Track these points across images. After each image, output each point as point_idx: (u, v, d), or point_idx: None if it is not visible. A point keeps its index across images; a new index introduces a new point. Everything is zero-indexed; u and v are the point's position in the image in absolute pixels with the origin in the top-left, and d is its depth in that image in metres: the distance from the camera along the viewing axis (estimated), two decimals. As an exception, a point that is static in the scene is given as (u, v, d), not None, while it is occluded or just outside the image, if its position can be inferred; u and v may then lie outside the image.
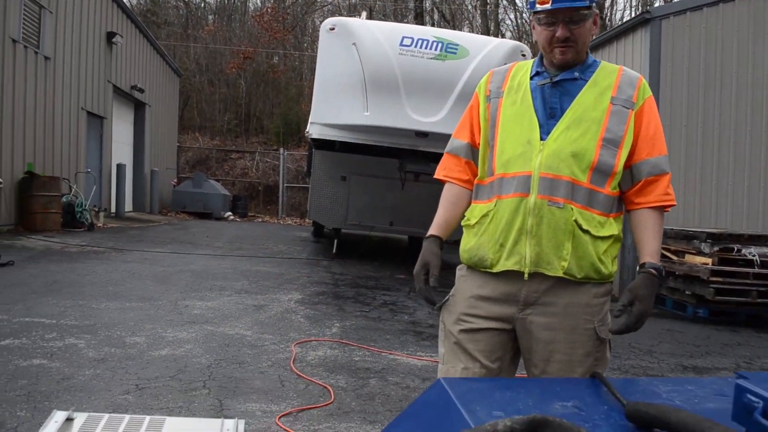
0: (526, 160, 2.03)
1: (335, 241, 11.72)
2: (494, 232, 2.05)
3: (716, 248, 7.80)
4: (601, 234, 2.03)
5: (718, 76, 9.44)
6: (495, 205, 2.06)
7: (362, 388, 4.19)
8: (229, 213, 22.32)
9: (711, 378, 1.72)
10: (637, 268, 2.09)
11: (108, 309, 5.97)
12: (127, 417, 1.34)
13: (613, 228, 2.07)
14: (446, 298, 2.20)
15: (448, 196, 2.26)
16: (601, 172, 2.03)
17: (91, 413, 1.34)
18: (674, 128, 9.21)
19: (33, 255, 9.16)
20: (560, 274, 1.99)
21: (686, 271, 8.06)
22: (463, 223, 2.21)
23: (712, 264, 7.77)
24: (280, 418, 3.52)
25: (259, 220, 23.06)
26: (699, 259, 7.99)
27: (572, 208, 1.99)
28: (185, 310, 6.17)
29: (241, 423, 1.34)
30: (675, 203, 2.15)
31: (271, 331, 5.54)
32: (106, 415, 1.34)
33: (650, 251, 2.05)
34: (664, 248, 8.60)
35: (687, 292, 8.16)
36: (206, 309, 6.27)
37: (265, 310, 6.45)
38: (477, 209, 2.15)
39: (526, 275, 2.01)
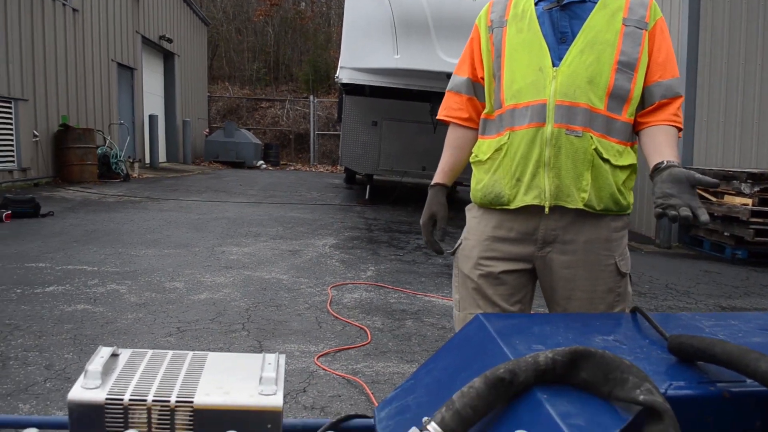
0: (539, 88, 1.91)
1: (368, 187, 11.72)
2: (510, 167, 1.95)
3: (756, 188, 7.61)
4: (620, 163, 1.94)
5: (762, 8, 9.05)
6: (508, 138, 1.95)
7: (398, 329, 4.22)
8: (261, 162, 22.41)
9: (756, 312, 1.67)
10: (650, 174, 1.85)
11: (147, 256, 6.07)
12: (170, 353, 1.35)
13: (631, 157, 1.98)
14: (459, 242, 2.12)
15: (451, 139, 2.16)
16: (617, 97, 1.92)
17: (136, 349, 1.35)
18: (714, 65, 8.91)
19: (72, 206, 9.33)
20: (580, 206, 1.91)
21: (725, 212, 7.89)
22: (472, 161, 2.11)
23: (752, 204, 7.59)
24: (318, 357, 3.57)
25: (291, 168, 23.13)
26: (738, 200, 7.81)
27: (591, 137, 1.89)
28: (222, 255, 6.25)
29: (282, 357, 1.33)
30: (682, 126, 2.03)
31: (306, 275, 5.60)
32: (150, 351, 1.35)
33: (667, 155, 1.85)
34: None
35: (725, 234, 8.01)
36: (242, 254, 6.35)
37: (300, 254, 6.50)
38: (486, 144, 2.04)
39: (546, 209, 1.92)
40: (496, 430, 1.10)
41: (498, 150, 1.97)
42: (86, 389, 1.19)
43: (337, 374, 3.35)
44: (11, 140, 11.25)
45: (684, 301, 5.56)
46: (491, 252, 2.02)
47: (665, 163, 1.81)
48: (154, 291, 4.82)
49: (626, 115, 1.95)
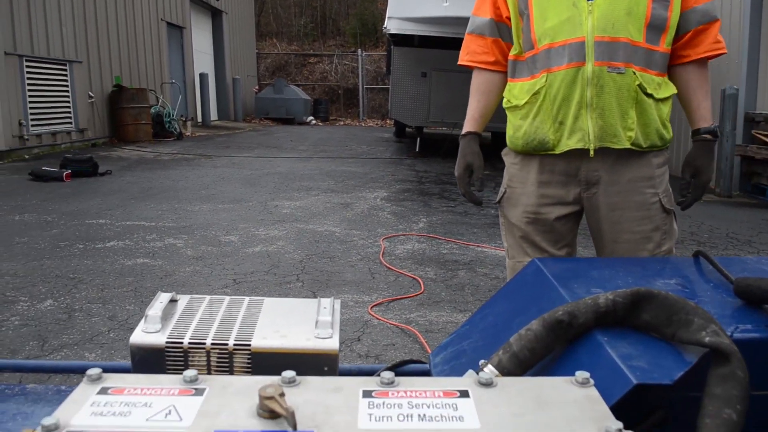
0: (575, 25, 1.81)
1: (418, 139, 11.64)
2: (550, 110, 1.86)
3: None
4: (661, 96, 1.85)
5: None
6: (545, 80, 1.86)
7: (451, 279, 4.21)
8: (311, 117, 22.45)
9: (825, 256, 1.60)
10: (690, 134, 1.93)
11: (202, 211, 6.18)
12: (227, 298, 1.37)
13: (670, 87, 1.89)
14: (503, 190, 2.06)
15: (477, 84, 2.07)
16: (655, 27, 1.82)
17: (194, 295, 1.36)
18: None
19: (128, 164, 9.53)
20: (627, 145, 1.84)
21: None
22: (506, 106, 2.02)
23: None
24: (372, 307, 3.59)
25: (341, 123, 23.12)
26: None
27: (634, 72, 1.80)
28: (275, 209, 6.32)
29: (337, 302, 1.33)
30: (725, 51, 1.93)
31: (359, 228, 5.62)
32: (208, 297, 1.36)
33: (703, 114, 1.90)
34: (759, 134, 8.09)
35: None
36: (295, 208, 6.41)
37: (351, 207, 6.53)
38: (518, 88, 1.95)
39: (591, 152, 1.85)
40: (554, 372, 1.08)
41: (535, 94, 1.89)
42: (147, 333, 1.21)
43: (390, 323, 3.37)
44: (68, 102, 11.49)
45: (746, 250, 5.40)
46: (539, 198, 1.96)
47: (701, 131, 1.88)
48: (209, 245, 4.91)
49: (664, 45, 1.86)
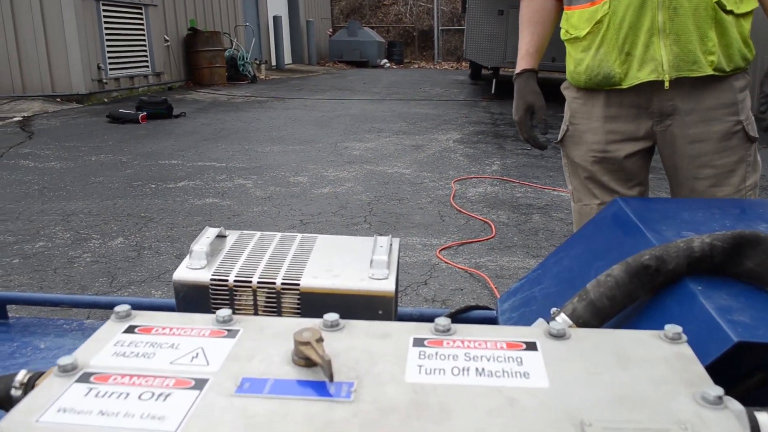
0: None
1: (494, 81, 11.29)
2: (615, 40, 1.65)
3: None
4: (742, 11, 1.61)
5: None
6: (608, 7, 1.64)
7: (525, 224, 4.05)
8: (385, 60, 22.18)
9: None
10: None
11: (272, 152, 6.17)
12: (279, 235, 1.27)
13: (751, 1, 1.65)
14: (564, 127, 1.85)
15: (528, 14, 1.84)
16: None
17: (244, 231, 1.28)
18: None
19: (202, 107, 9.62)
20: (709, 71, 1.62)
21: None
22: (564, 38, 1.80)
23: None
24: (440, 251, 3.48)
25: (415, 66, 22.77)
26: None
27: None
28: (345, 151, 6.25)
29: (396, 240, 1.22)
30: None
31: (429, 170, 5.48)
32: (258, 233, 1.27)
33: None
34: None
35: None
36: (365, 150, 6.31)
37: (423, 149, 6.38)
38: (577, 16, 1.73)
39: (666, 83, 1.63)
40: (637, 325, 0.94)
41: (598, 23, 1.67)
42: (191, 269, 1.14)
43: (459, 267, 3.26)
44: (144, 46, 11.64)
45: None
46: (606, 135, 1.76)
47: None
48: (278, 185, 4.88)
49: None
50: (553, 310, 1.07)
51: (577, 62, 1.76)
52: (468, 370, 0.70)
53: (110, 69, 10.51)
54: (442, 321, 0.79)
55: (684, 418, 0.60)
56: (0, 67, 9.67)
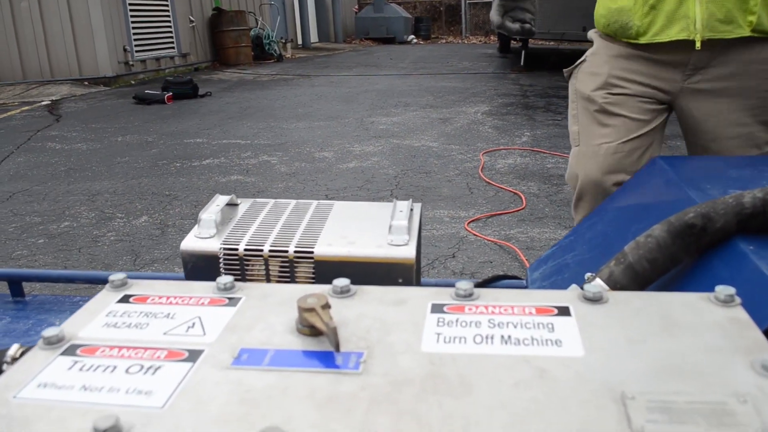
0: None
1: (523, 53, 11.07)
2: None
3: None
4: None
5: None
6: None
7: (556, 195, 3.93)
8: (412, 36, 21.95)
9: None
10: None
11: (297, 128, 6.11)
12: (293, 202, 1.20)
13: None
14: (582, 59, 1.68)
15: None
16: None
17: (257, 199, 1.20)
18: None
19: (228, 86, 9.59)
20: (747, 33, 1.46)
21: None
22: None
23: None
24: (469, 223, 3.40)
25: (443, 41, 22.49)
26: None
27: None
28: (371, 125, 6.16)
29: (417, 205, 1.13)
30: None
31: (457, 142, 5.37)
32: (272, 201, 1.19)
33: None
34: None
35: None
36: (391, 124, 6.22)
37: (451, 122, 6.27)
38: None
39: (697, 44, 1.48)
40: (682, 290, 0.86)
41: None
42: (199, 238, 1.08)
43: (488, 240, 3.17)
44: (170, 27, 11.63)
45: None
46: (624, 72, 1.58)
47: None
48: (303, 161, 4.83)
49: None
50: (588, 275, 0.98)
51: (601, 3, 1.61)
52: (492, 338, 0.62)
53: (136, 51, 10.52)
54: (464, 284, 0.71)
55: (742, 389, 0.52)
56: (28, 52, 9.74)
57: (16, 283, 1.44)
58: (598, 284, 0.83)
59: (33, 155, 5.31)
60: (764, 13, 1.46)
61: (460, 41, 22.36)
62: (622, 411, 0.51)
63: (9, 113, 7.58)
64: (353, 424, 0.50)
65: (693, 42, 1.48)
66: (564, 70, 1.72)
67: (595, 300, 0.68)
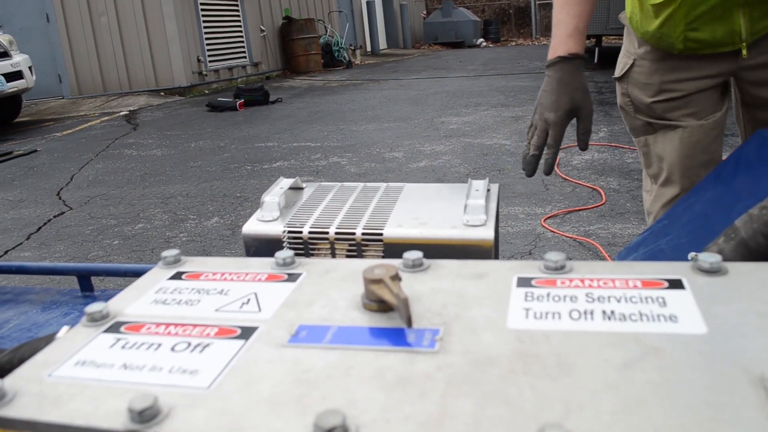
0: None
1: (595, 50, 10.77)
2: (685, 17, 1.35)
3: None
4: None
5: None
6: None
7: (637, 189, 3.74)
8: (481, 39, 21.76)
9: None
10: None
11: (367, 130, 6.07)
12: (361, 185, 1.12)
13: None
14: (631, 60, 1.53)
15: None
16: None
17: (323, 182, 1.13)
18: None
19: (298, 92, 9.67)
20: None
21: None
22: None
23: None
24: (545, 220, 3.26)
25: (513, 43, 22.19)
26: None
27: None
28: (441, 126, 6.06)
29: (495, 186, 1.04)
30: None
31: (530, 140, 5.22)
32: (338, 184, 1.12)
33: None
34: None
35: None
36: (462, 123, 6.10)
37: (523, 120, 6.10)
38: None
39: (744, 52, 1.35)
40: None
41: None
42: (262, 222, 1.01)
43: (567, 236, 3.02)
44: (241, 36, 11.84)
45: None
46: (676, 73, 1.44)
47: None
48: (373, 161, 4.77)
49: None
50: (692, 254, 0.86)
51: (645, 16, 1.45)
52: (592, 313, 0.53)
53: (209, 61, 10.74)
54: (555, 256, 0.61)
55: None
56: (108, 65, 10.08)
57: (85, 278, 1.41)
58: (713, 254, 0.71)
59: (111, 162, 5.44)
60: None
61: (530, 43, 22.02)
62: (762, 395, 0.41)
63: (89, 123, 7.84)
64: (429, 408, 0.42)
65: (740, 52, 1.37)
66: (613, 77, 1.60)
67: (713, 271, 0.58)
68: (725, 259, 0.75)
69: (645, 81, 1.51)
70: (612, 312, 0.53)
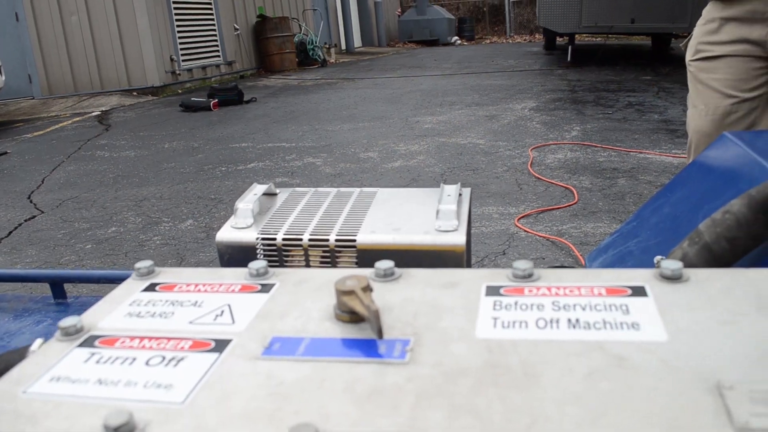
0: None
1: (569, 48, 10.86)
2: None
3: None
4: None
5: None
6: None
7: (609, 188, 3.79)
8: (456, 37, 21.83)
9: None
10: None
11: (342, 130, 6.07)
12: (334, 190, 1.13)
13: None
14: (701, 47, 1.70)
15: None
16: None
17: (296, 188, 1.14)
18: None
19: (273, 91, 9.63)
20: None
21: None
22: None
23: None
24: (519, 219, 3.29)
25: (487, 41, 22.31)
26: None
27: None
28: (416, 125, 6.08)
29: (467, 190, 1.05)
30: None
31: (505, 139, 5.25)
32: (312, 189, 1.13)
33: None
34: None
35: None
36: (437, 123, 6.13)
37: (497, 119, 6.15)
38: None
39: None
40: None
41: None
42: (236, 229, 1.02)
43: (540, 236, 3.06)
44: (215, 35, 11.76)
45: None
46: (713, 35, 1.62)
47: None
48: (348, 162, 4.78)
49: None
50: (657, 258, 0.89)
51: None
52: (557, 321, 0.54)
53: (183, 60, 10.66)
54: (522, 264, 0.63)
55: None
56: (79, 65, 9.96)
57: (57, 285, 1.40)
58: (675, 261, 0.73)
59: (83, 163, 5.39)
60: None
61: (504, 41, 22.15)
62: (719, 403, 0.42)
63: (61, 124, 7.75)
64: (400, 421, 0.43)
65: None
66: (681, 44, 1.81)
67: (675, 278, 0.60)
68: (689, 264, 0.77)
69: (689, 41, 1.75)
70: (577, 320, 0.54)
